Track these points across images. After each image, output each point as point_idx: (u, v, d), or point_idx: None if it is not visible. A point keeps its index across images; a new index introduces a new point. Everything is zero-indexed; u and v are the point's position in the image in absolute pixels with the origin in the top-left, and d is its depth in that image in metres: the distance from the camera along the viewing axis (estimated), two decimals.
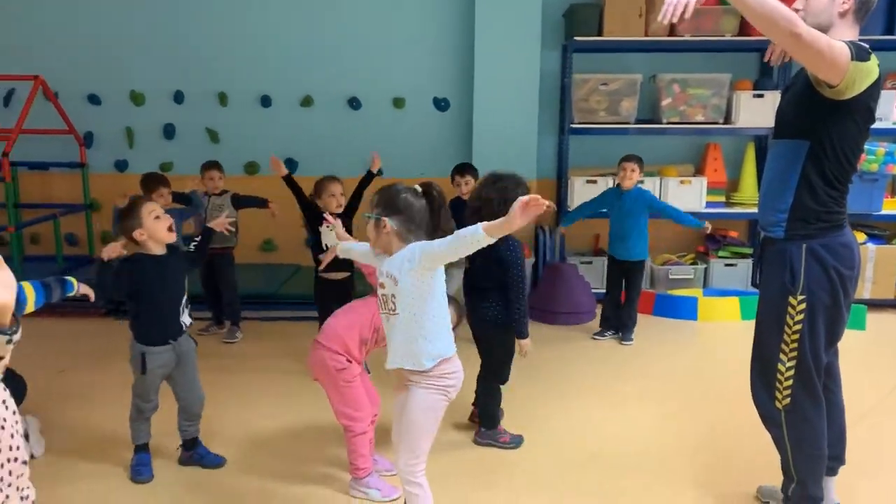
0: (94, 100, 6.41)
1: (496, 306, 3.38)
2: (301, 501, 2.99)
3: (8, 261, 2.46)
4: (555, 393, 4.16)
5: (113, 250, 2.89)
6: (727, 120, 5.83)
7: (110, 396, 4.04)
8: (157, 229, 3.00)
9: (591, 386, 4.29)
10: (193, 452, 3.23)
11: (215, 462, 3.23)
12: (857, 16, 2.45)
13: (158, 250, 3.04)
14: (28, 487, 1.70)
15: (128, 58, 6.31)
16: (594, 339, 5.12)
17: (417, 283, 2.33)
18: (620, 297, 5.11)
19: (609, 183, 5.65)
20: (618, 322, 5.11)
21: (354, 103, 6.35)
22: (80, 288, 2.74)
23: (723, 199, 6.03)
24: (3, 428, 1.60)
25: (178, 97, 6.38)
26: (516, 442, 3.47)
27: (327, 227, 4.22)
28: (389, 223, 2.38)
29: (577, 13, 5.71)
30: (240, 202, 5.05)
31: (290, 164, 6.45)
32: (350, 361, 2.95)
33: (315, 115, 6.37)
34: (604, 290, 5.30)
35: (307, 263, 6.25)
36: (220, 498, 3.02)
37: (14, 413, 1.66)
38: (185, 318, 3.13)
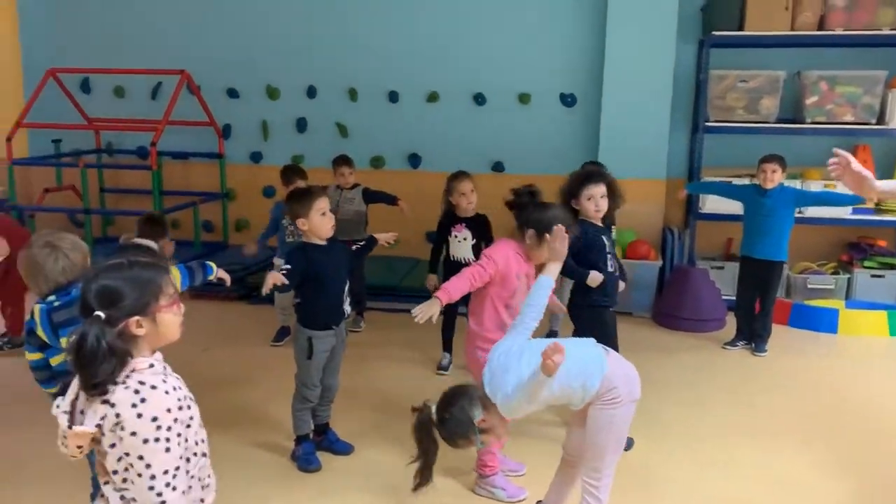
0: (232, 94, 6.72)
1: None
2: (426, 493, 3.00)
3: None
4: (678, 401, 3.99)
5: (275, 279, 2.94)
6: (880, 120, 5.40)
7: (252, 377, 4.27)
8: (320, 226, 3.08)
9: (718, 395, 4.10)
10: (324, 438, 3.31)
11: (344, 449, 3.31)
12: None
13: (319, 241, 3.13)
14: (209, 476, 1.77)
15: (265, 54, 6.57)
16: (725, 348, 4.88)
17: None
18: (753, 303, 4.84)
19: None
20: (750, 331, 4.84)
21: (479, 99, 6.34)
22: (218, 272, 2.89)
23: (871, 205, 5.60)
24: (189, 426, 1.65)
25: (311, 92, 6.59)
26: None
27: (457, 237, 4.25)
28: None
29: (716, 6, 5.45)
30: (370, 197, 5.14)
31: (415, 159, 6.54)
32: None
33: (440, 110, 6.41)
34: (734, 298, 5.02)
35: (426, 257, 6.31)
36: (349, 483, 3.09)
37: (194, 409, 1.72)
38: (346, 307, 3.24)
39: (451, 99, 6.39)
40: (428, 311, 2.77)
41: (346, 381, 3.43)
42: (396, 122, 6.48)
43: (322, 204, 3.08)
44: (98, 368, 1.52)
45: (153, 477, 1.56)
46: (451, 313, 4.41)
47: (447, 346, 4.45)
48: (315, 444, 3.27)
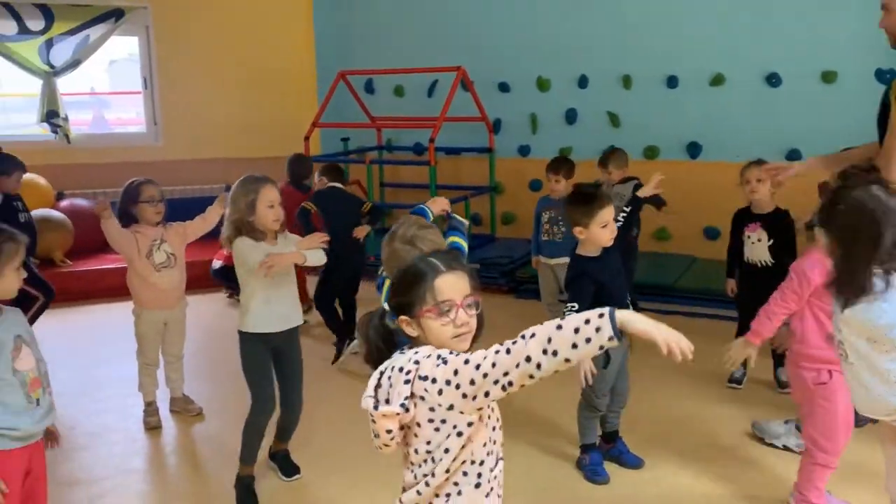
0: (503, 87, 6.74)
1: None
2: None
3: None
4: None
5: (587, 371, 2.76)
6: None
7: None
8: (600, 238, 2.86)
9: None
10: (613, 447, 3.10)
11: (634, 462, 3.07)
12: None
13: (594, 252, 2.90)
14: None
15: (537, 46, 6.49)
16: None
17: None
18: None
19: None
20: None
21: (773, 80, 5.67)
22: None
23: None
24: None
25: (582, 82, 6.38)
26: None
27: (749, 237, 3.75)
28: None
29: None
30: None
31: (694, 147, 6.04)
32: (831, 374, 2.50)
33: (726, 94, 5.84)
34: None
35: (704, 255, 5.83)
36: (638, 498, 2.87)
37: None
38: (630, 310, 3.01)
39: (740, 81, 5.78)
40: (740, 355, 2.49)
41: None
42: (674, 108, 6.03)
43: (607, 216, 2.83)
44: (370, 355, 1.62)
45: (467, 362, 1.45)
46: (747, 321, 3.93)
47: None
48: (603, 453, 3.08)
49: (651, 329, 1.39)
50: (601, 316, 1.36)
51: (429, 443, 1.52)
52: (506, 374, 1.39)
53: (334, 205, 4.49)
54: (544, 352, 1.37)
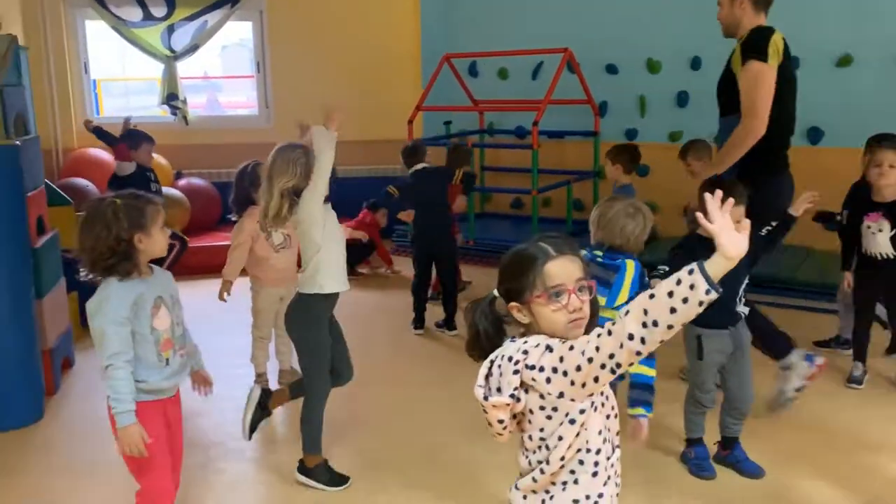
0: (611, 69, 6.57)
1: None
2: None
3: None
4: None
5: None
6: None
7: None
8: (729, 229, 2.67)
9: None
10: (730, 453, 2.95)
11: (752, 471, 2.90)
12: (756, 7, 3.45)
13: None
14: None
15: (648, 26, 6.28)
16: None
17: None
18: None
19: None
20: None
21: None
22: None
23: None
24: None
25: (696, 63, 6.13)
26: None
27: (870, 227, 3.50)
28: None
29: None
30: None
31: (815, 133, 5.70)
32: None
33: (853, 76, 5.49)
34: None
35: (821, 247, 5.50)
36: (740, 495, 2.77)
37: None
38: (741, 308, 2.87)
39: (869, 62, 5.42)
40: None
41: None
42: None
43: (737, 214, 2.66)
44: (476, 342, 1.60)
45: (571, 348, 1.42)
46: (865, 317, 3.70)
47: (860, 355, 3.75)
48: (721, 458, 2.96)
49: (736, 256, 1.34)
50: (691, 272, 1.30)
51: (542, 430, 1.50)
52: (611, 356, 1.36)
53: (410, 192, 4.85)
54: (644, 325, 1.32)
